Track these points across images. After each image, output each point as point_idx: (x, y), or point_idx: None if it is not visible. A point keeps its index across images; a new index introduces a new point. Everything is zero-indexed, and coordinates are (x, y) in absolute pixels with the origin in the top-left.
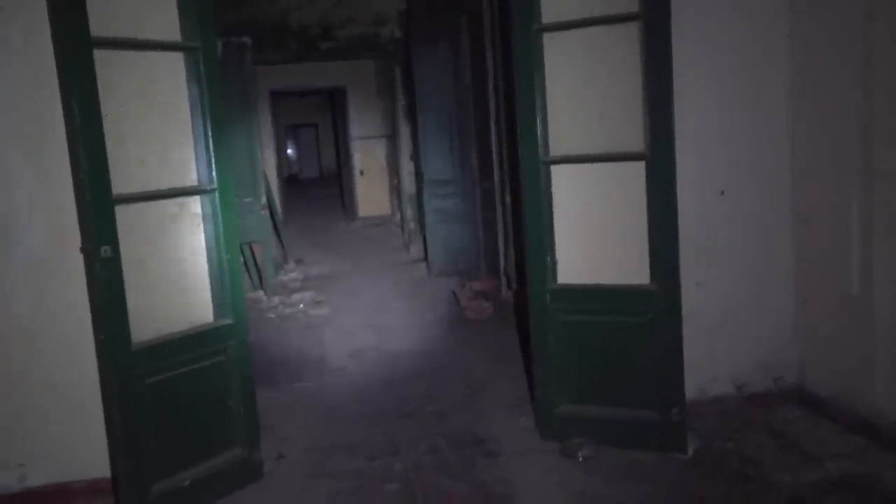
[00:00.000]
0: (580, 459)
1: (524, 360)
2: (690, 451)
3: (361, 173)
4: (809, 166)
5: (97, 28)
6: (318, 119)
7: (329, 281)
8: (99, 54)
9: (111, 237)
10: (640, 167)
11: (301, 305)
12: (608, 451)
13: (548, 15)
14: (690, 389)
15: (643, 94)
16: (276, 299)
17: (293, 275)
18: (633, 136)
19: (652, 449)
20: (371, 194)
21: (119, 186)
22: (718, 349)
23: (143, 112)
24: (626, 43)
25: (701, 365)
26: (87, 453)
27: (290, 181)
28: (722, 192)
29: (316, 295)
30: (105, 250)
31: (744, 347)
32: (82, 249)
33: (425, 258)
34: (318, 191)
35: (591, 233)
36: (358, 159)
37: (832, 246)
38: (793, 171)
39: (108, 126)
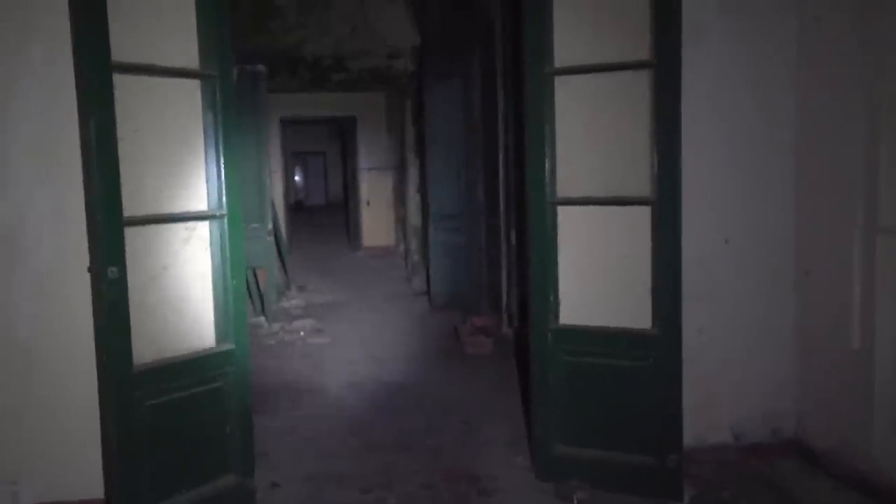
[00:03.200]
0: (575, 502)
1: (522, 397)
2: (686, 499)
3: (368, 203)
4: (813, 220)
5: (118, 53)
6: (326, 147)
7: (331, 309)
8: (118, 78)
9: (119, 258)
10: (645, 212)
11: (302, 333)
12: (603, 495)
13: (560, 59)
14: (688, 436)
15: (652, 141)
16: (277, 326)
17: (295, 302)
18: (641, 181)
19: (647, 495)
20: (376, 225)
21: (130, 208)
22: (717, 397)
23: (158, 136)
24: (636, 89)
25: (699, 412)
26: (82, 473)
27: (297, 208)
28: (726, 241)
29: (317, 323)
30: (112, 271)
31: (743, 396)
32: (90, 269)
33: (428, 291)
34: (323, 219)
35: (595, 274)
36: (365, 189)
37: (833, 299)
38: (797, 223)
39: (122, 148)
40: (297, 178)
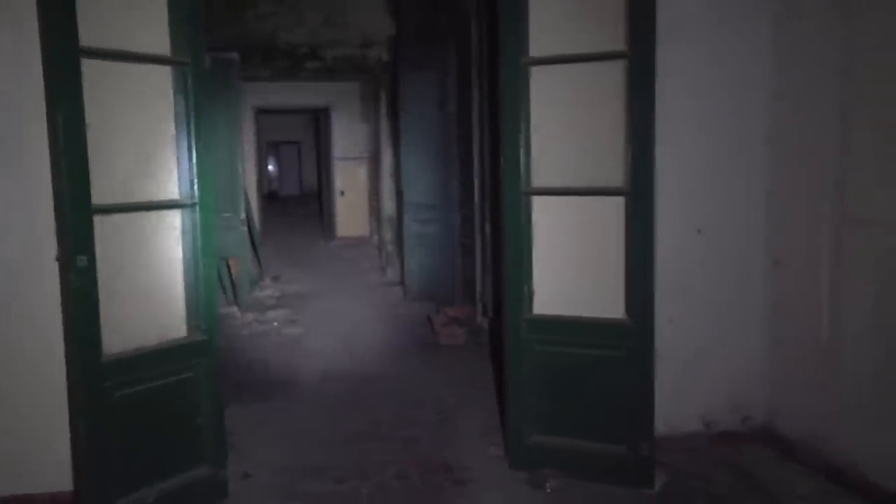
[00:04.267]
0: (548, 491)
1: (496, 388)
2: (658, 487)
3: (342, 193)
4: (784, 211)
5: (87, 38)
6: (300, 137)
7: (304, 300)
8: (87, 64)
9: (88, 247)
10: (619, 202)
11: (275, 323)
12: (576, 483)
13: (536, 48)
14: (660, 425)
15: (626, 131)
16: (250, 316)
17: (268, 292)
18: (615, 172)
19: (620, 483)
20: (350, 215)
21: (99, 196)
22: (689, 386)
23: (128, 123)
24: (611, 80)
25: (671, 401)
26: (51, 466)
27: (270, 198)
28: (699, 231)
29: (290, 313)
30: (81, 260)
31: (714, 386)
32: (58, 259)
33: (402, 281)
34: (297, 209)
35: (569, 265)
36: (339, 179)
37: (803, 290)
38: (769, 214)
39: (91, 136)
40: (270, 167)
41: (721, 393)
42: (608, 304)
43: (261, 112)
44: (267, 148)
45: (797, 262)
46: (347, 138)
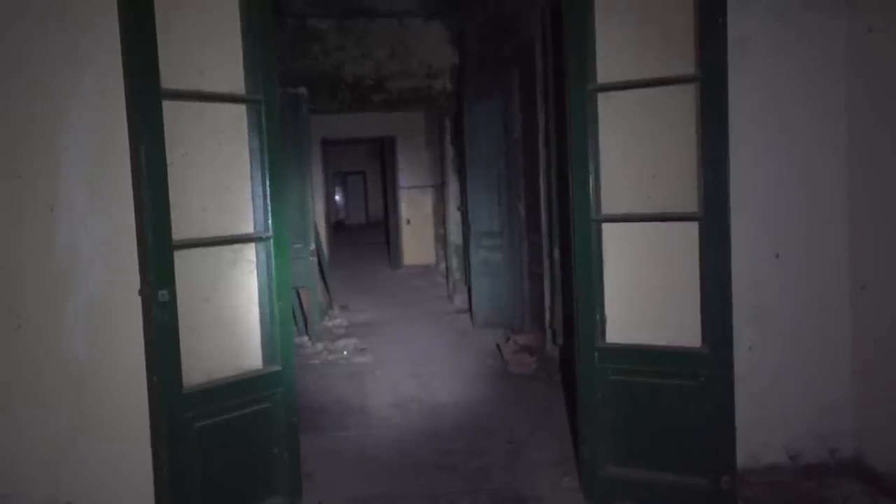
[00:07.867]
0: None
1: (569, 417)
2: None
3: (408, 222)
4: (869, 232)
5: (166, 79)
6: (366, 167)
7: (373, 328)
8: (167, 104)
9: (169, 282)
10: (693, 228)
11: (345, 352)
12: None
13: (603, 75)
14: (742, 456)
15: (699, 156)
16: (320, 345)
17: (338, 321)
18: (687, 197)
19: None
20: (416, 243)
21: (179, 232)
22: (771, 416)
23: (206, 160)
24: (681, 104)
25: (753, 431)
26: (133, 494)
27: (337, 227)
28: (777, 255)
29: (360, 342)
30: (162, 294)
31: (798, 415)
32: (140, 292)
33: (469, 309)
34: (364, 237)
35: (642, 292)
36: (405, 208)
37: (892, 314)
38: (852, 236)
39: (171, 173)
40: (337, 197)
41: (806, 423)
42: (684, 331)
43: (327, 143)
44: (333, 178)
45: (885, 284)
46: (412, 167)
